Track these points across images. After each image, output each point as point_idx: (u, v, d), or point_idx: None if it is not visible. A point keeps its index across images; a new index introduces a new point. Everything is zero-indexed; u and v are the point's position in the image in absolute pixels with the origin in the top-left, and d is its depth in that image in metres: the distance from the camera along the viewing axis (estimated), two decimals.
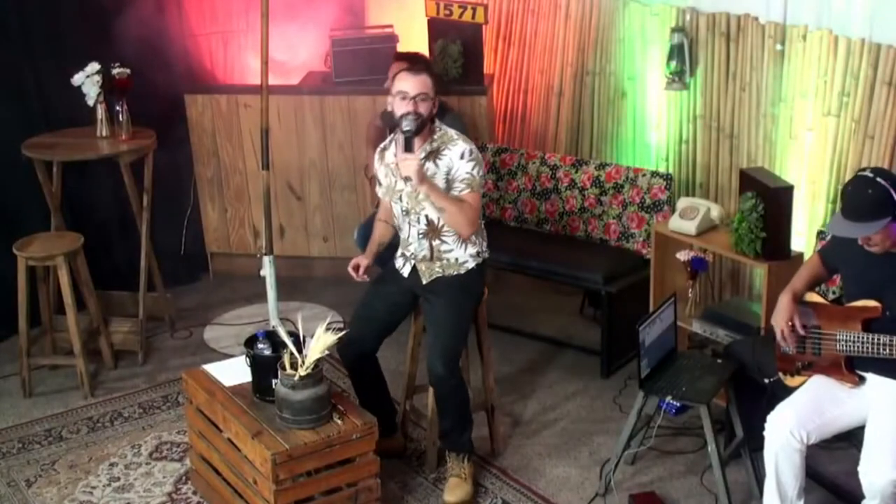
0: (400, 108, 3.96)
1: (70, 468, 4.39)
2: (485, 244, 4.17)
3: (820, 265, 3.75)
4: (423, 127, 3.97)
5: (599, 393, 4.92)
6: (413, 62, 5.20)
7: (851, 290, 3.64)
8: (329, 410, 3.76)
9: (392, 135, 4.18)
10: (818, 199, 4.67)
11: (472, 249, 4.10)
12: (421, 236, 4.08)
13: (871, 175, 3.40)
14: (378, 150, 4.22)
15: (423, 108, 3.95)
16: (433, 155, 4.01)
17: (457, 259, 4.09)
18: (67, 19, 5.36)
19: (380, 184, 4.22)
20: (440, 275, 4.09)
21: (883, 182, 3.36)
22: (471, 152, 4.01)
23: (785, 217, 4.26)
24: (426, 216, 4.05)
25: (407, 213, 4.09)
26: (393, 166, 4.09)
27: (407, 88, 3.95)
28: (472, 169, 3.99)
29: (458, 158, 3.99)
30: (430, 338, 4.09)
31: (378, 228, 4.32)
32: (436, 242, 4.08)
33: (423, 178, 3.90)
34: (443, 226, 4.05)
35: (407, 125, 3.91)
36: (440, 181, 4.00)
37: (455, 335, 4.06)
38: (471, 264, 4.10)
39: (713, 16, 4.98)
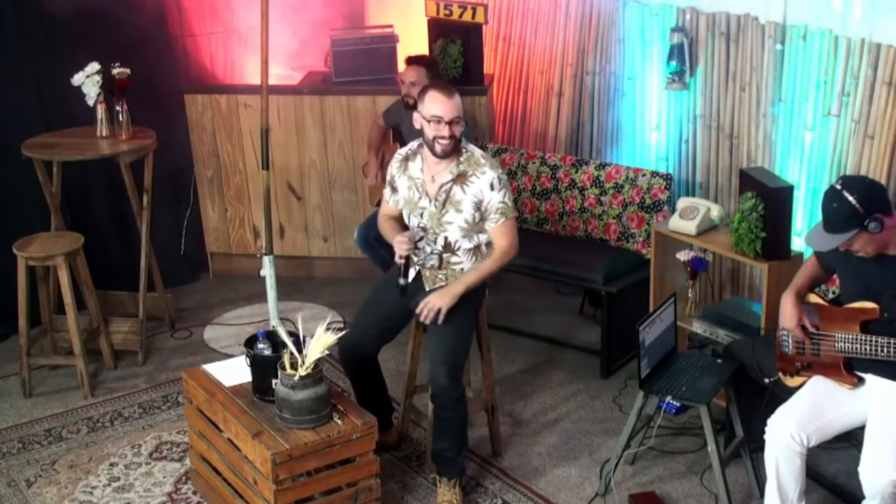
0: (433, 131, 3.89)
1: (70, 468, 4.39)
2: None
3: (818, 266, 3.76)
4: (455, 151, 3.94)
5: (599, 393, 4.92)
6: (421, 63, 5.24)
7: (849, 291, 3.64)
8: (329, 410, 3.76)
9: (416, 143, 4.07)
10: (818, 199, 4.66)
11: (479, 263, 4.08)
12: (433, 252, 4.06)
13: (838, 188, 3.43)
14: (398, 160, 4.11)
15: (457, 131, 3.89)
16: (461, 179, 3.95)
17: (462, 270, 4.06)
18: (67, 19, 5.36)
19: (395, 190, 4.11)
20: (444, 283, 4.07)
21: (848, 196, 3.39)
22: (499, 180, 3.96)
23: (785, 217, 4.26)
24: (445, 237, 4.02)
25: (425, 229, 4.04)
26: (420, 182, 4.02)
27: (442, 113, 3.86)
28: (504, 197, 3.96)
29: (487, 189, 3.94)
30: (432, 349, 4.03)
31: (390, 226, 4.18)
32: (446, 255, 4.06)
33: (454, 297, 3.93)
34: (458, 248, 4.03)
35: (403, 280, 3.94)
36: (468, 206, 3.96)
37: (458, 347, 4.02)
38: None
39: (713, 16, 4.98)
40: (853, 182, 3.46)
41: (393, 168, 4.12)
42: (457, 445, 4.08)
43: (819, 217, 3.53)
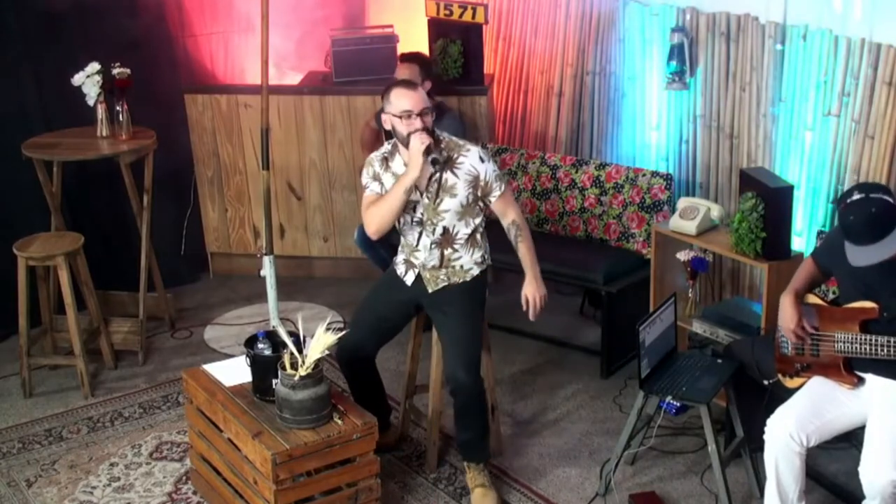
0: (406, 126, 3.89)
1: (70, 468, 4.39)
2: (488, 247, 4.16)
3: (815, 268, 3.75)
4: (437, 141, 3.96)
5: (599, 393, 4.92)
6: (414, 61, 5.24)
7: (847, 292, 3.64)
8: (329, 410, 3.76)
9: (388, 142, 4.11)
10: (818, 199, 4.67)
11: (477, 255, 4.09)
12: (434, 246, 4.05)
13: (863, 195, 3.38)
14: (378, 159, 4.08)
15: (428, 122, 3.92)
16: (448, 164, 3.97)
17: (462, 266, 4.07)
18: (67, 19, 5.36)
19: (382, 184, 4.06)
20: (446, 283, 4.07)
21: (877, 196, 3.36)
22: (484, 152, 4.04)
23: (785, 217, 4.26)
24: (443, 226, 4.02)
25: (421, 223, 4.04)
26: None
27: (410, 106, 3.89)
28: (495, 165, 4.04)
29: (478, 163, 3.98)
30: (448, 349, 4.02)
31: (378, 202, 4.07)
32: (447, 251, 4.06)
33: (540, 279, 4.09)
34: (457, 234, 4.04)
35: (435, 154, 3.88)
36: (462, 187, 3.97)
37: (473, 344, 4.04)
38: (475, 271, 4.10)
39: (713, 16, 4.98)
40: (870, 187, 3.43)
41: (375, 166, 4.08)
42: (481, 432, 4.11)
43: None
